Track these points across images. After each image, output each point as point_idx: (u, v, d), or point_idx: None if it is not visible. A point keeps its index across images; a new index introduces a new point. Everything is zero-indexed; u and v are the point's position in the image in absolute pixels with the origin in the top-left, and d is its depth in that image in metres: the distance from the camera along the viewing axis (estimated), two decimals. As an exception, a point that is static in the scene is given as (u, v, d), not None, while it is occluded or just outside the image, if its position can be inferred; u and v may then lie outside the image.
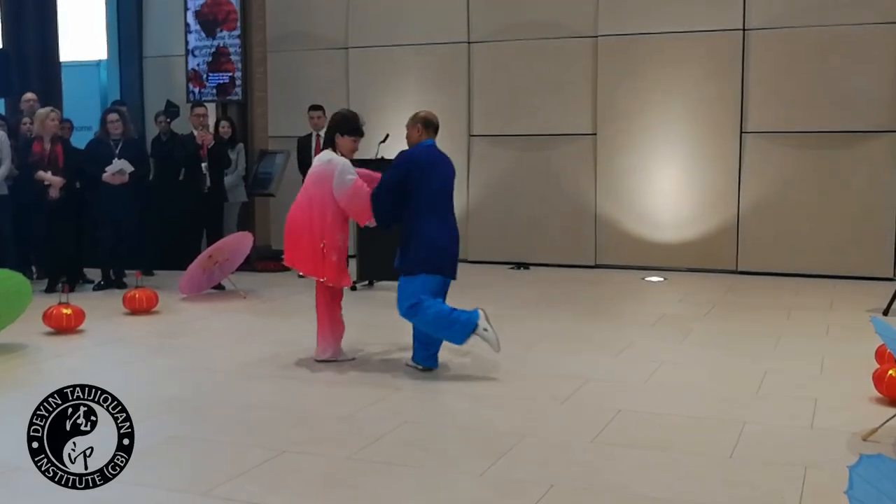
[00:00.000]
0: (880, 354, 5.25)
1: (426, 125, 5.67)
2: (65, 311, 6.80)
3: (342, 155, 5.73)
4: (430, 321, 5.41)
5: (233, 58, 10.68)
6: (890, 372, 4.90)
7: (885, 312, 7.36)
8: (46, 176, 8.42)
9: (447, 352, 6.14)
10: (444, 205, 5.62)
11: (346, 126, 5.78)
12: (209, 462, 4.10)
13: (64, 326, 6.79)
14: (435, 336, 5.52)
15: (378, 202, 5.56)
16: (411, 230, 5.50)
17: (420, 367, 5.65)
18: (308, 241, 5.63)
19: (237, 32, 10.62)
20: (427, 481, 3.85)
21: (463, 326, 5.35)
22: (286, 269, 8.74)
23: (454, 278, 5.65)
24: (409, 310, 5.45)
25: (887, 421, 4.33)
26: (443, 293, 5.58)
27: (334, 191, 5.60)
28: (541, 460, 4.09)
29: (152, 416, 4.72)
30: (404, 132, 5.80)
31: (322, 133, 9.62)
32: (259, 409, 4.98)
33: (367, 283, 8.92)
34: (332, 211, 5.66)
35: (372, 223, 5.68)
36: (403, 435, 4.45)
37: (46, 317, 6.78)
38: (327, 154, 5.75)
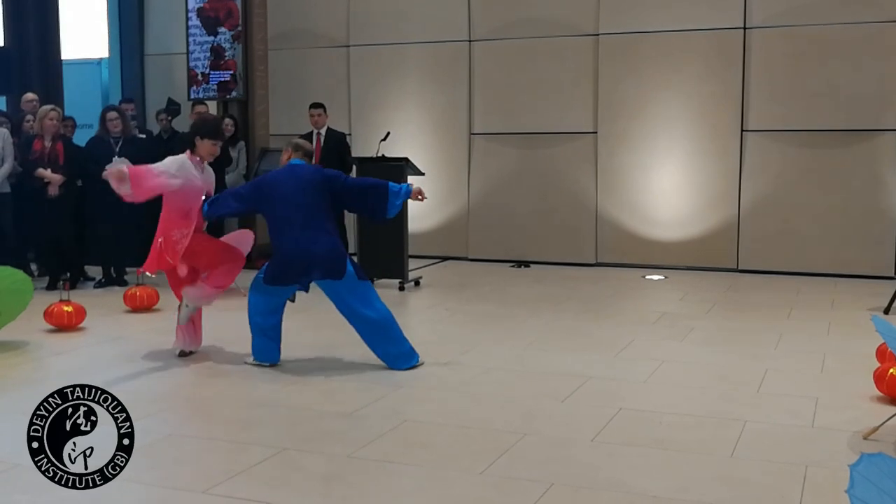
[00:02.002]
0: (881, 353, 5.25)
1: (295, 148, 6.01)
2: (66, 308, 6.80)
3: (202, 158, 5.90)
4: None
5: (234, 55, 10.68)
6: (891, 371, 4.90)
7: (886, 311, 7.36)
8: (46, 173, 8.42)
9: (448, 351, 6.14)
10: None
11: (206, 129, 5.98)
12: (209, 460, 4.10)
13: (65, 324, 6.80)
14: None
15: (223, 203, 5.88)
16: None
17: (406, 367, 5.67)
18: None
19: (238, 30, 10.62)
20: (427, 480, 3.85)
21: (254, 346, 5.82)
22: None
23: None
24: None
25: (888, 420, 4.33)
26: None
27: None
28: (541, 459, 4.09)
29: (152, 414, 4.72)
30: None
31: (323, 131, 9.65)
32: (259, 406, 4.99)
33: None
34: (167, 208, 5.86)
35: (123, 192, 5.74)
36: (403, 433, 4.45)
37: (48, 314, 6.79)
38: (181, 156, 5.87)
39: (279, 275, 5.66)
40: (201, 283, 5.96)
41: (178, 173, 5.73)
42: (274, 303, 5.77)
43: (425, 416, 4.76)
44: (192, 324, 6.02)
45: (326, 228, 5.68)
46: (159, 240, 5.79)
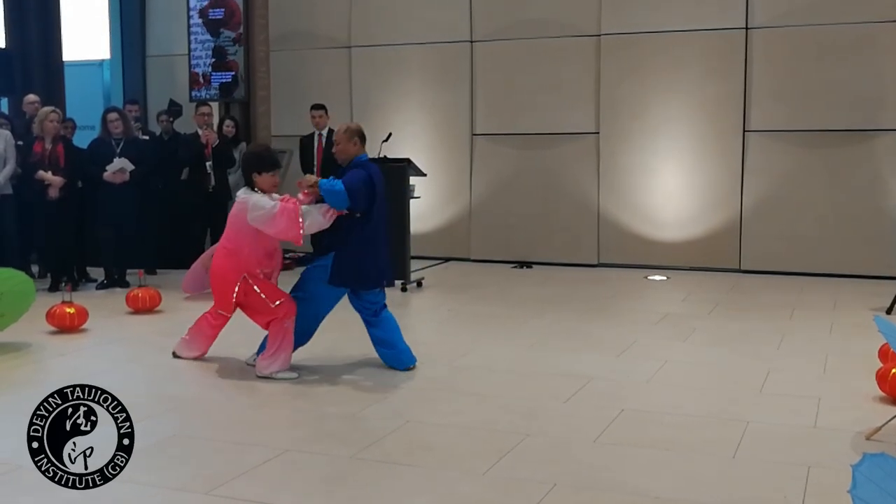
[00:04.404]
0: (884, 353, 5.25)
1: (362, 137, 5.71)
2: (68, 310, 6.81)
3: (263, 192, 5.57)
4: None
5: (236, 57, 10.69)
6: (893, 371, 4.89)
7: (889, 311, 7.36)
8: (46, 175, 8.42)
9: (450, 352, 6.14)
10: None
11: (262, 164, 5.61)
12: (211, 461, 4.10)
13: (67, 325, 6.80)
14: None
15: (358, 194, 5.47)
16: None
17: (402, 368, 5.67)
18: (234, 279, 5.58)
19: (240, 31, 10.63)
20: (430, 481, 3.85)
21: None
22: (288, 268, 8.75)
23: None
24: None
25: (891, 420, 4.33)
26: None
27: (249, 220, 5.45)
28: (543, 459, 4.09)
29: (155, 415, 4.72)
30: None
31: (324, 132, 9.65)
32: (261, 408, 4.99)
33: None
34: (248, 245, 5.58)
35: (300, 236, 5.49)
36: (406, 434, 4.45)
37: (50, 316, 6.79)
38: (244, 192, 5.62)
39: (365, 280, 5.57)
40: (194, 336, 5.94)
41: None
42: (325, 310, 5.71)
43: (428, 417, 4.76)
44: (205, 335, 5.94)
45: None
46: (239, 279, 5.57)
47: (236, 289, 5.56)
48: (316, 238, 6.49)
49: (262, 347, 5.67)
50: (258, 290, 5.54)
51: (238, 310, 5.72)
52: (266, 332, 5.64)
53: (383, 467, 4.00)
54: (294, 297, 5.60)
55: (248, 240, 5.56)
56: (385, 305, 5.77)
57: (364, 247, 5.53)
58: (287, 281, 5.88)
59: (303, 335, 5.68)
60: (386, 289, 5.84)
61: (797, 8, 9.46)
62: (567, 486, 3.74)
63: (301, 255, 10.09)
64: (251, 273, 5.57)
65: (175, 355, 6.00)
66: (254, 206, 5.46)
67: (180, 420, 4.79)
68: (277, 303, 5.51)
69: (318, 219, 5.48)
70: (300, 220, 5.41)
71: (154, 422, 4.60)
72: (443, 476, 3.89)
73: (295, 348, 5.63)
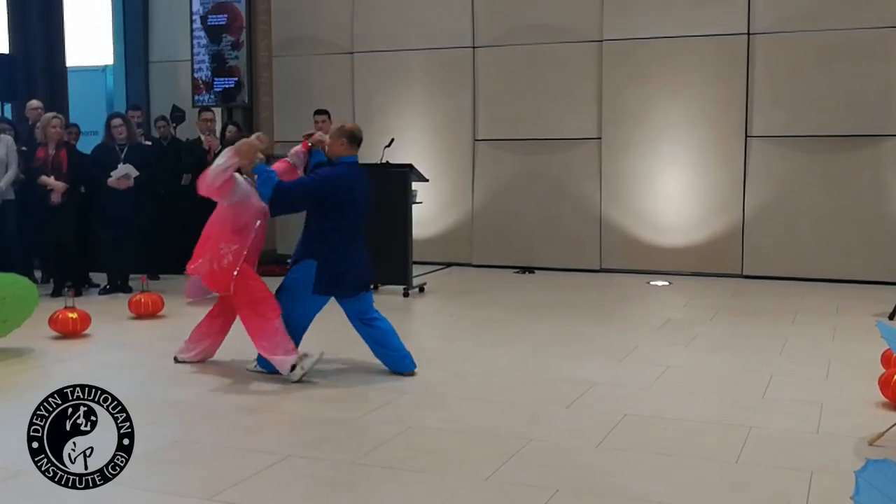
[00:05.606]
0: (886, 359, 5.24)
1: (351, 139, 5.61)
2: (71, 315, 6.81)
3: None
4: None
5: (238, 62, 10.71)
6: (896, 376, 4.89)
7: (891, 317, 7.35)
8: (49, 181, 8.43)
9: (452, 357, 6.14)
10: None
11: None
12: (214, 466, 4.10)
13: (70, 331, 6.81)
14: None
15: (285, 197, 5.46)
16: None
17: (400, 372, 5.67)
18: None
19: (243, 37, 10.65)
20: (432, 486, 3.84)
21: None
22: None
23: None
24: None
25: (893, 426, 4.32)
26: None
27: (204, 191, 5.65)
28: (546, 464, 4.08)
29: (157, 420, 4.72)
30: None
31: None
32: (263, 413, 4.99)
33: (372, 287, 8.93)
34: (217, 221, 5.77)
35: (207, 185, 5.56)
36: (408, 439, 4.45)
37: (52, 321, 6.80)
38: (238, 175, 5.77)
39: (339, 283, 5.55)
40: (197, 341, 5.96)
41: (237, 189, 5.66)
42: (311, 313, 5.69)
43: (430, 422, 4.76)
44: (209, 337, 5.97)
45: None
46: (208, 253, 5.68)
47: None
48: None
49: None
50: (215, 267, 5.61)
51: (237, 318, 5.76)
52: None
53: (385, 473, 3.99)
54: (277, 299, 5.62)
55: (217, 218, 5.78)
56: (376, 311, 5.76)
57: (337, 255, 5.52)
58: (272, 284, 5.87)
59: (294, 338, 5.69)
60: (387, 294, 5.84)
61: (799, 13, 9.47)
62: (569, 492, 3.74)
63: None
64: (213, 248, 5.64)
65: (176, 360, 6.00)
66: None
67: (182, 425, 4.79)
68: (236, 272, 5.56)
69: (219, 160, 5.61)
70: (205, 174, 5.59)
71: (156, 427, 4.60)
72: (445, 481, 3.89)
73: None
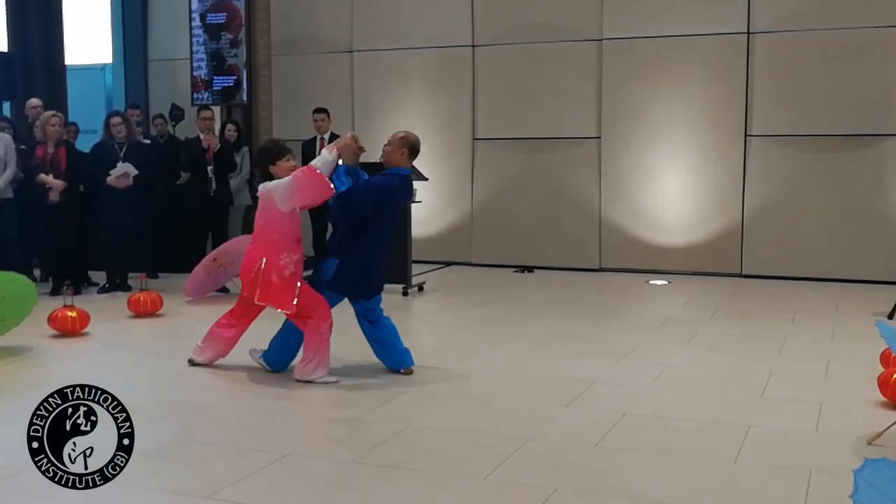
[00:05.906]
0: (885, 358, 5.24)
1: (412, 152, 5.64)
2: (70, 313, 6.81)
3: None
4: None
5: (237, 61, 10.70)
6: (895, 376, 4.89)
7: (890, 316, 7.35)
8: (48, 179, 8.42)
9: (451, 356, 6.14)
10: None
11: (273, 154, 5.59)
12: (213, 465, 4.10)
13: (69, 329, 6.80)
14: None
15: (353, 204, 5.41)
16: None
17: (400, 369, 5.68)
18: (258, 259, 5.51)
19: (242, 35, 10.64)
20: (431, 485, 3.85)
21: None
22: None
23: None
24: None
25: (892, 425, 4.32)
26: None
27: (280, 203, 5.40)
28: (545, 464, 4.08)
29: (156, 419, 4.72)
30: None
31: (326, 136, 9.66)
32: (263, 412, 4.99)
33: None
34: (276, 230, 5.50)
35: (326, 183, 5.37)
36: (407, 439, 4.45)
37: (51, 319, 6.79)
38: (262, 187, 5.59)
39: (363, 288, 5.57)
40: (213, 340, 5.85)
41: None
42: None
43: (429, 421, 4.76)
44: (224, 340, 5.89)
45: None
46: (262, 266, 5.43)
47: (261, 265, 5.43)
48: (320, 243, 6.40)
49: (271, 347, 5.69)
50: (275, 280, 5.43)
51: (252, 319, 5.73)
52: (276, 330, 5.66)
53: (384, 472, 4.00)
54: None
55: (276, 227, 5.48)
56: (381, 310, 5.77)
57: (368, 257, 5.53)
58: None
59: (298, 342, 5.67)
60: (386, 293, 5.87)
61: (799, 12, 9.47)
62: (568, 491, 3.74)
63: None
64: (273, 259, 5.42)
65: (191, 362, 5.90)
66: (275, 187, 5.46)
67: (182, 424, 4.79)
68: (296, 301, 5.42)
69: (325, 157, 5.44)
70: (316, 171, 5.37)
71: (156, 426, 4.60)
72: (444, 481, 3.89)
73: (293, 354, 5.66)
